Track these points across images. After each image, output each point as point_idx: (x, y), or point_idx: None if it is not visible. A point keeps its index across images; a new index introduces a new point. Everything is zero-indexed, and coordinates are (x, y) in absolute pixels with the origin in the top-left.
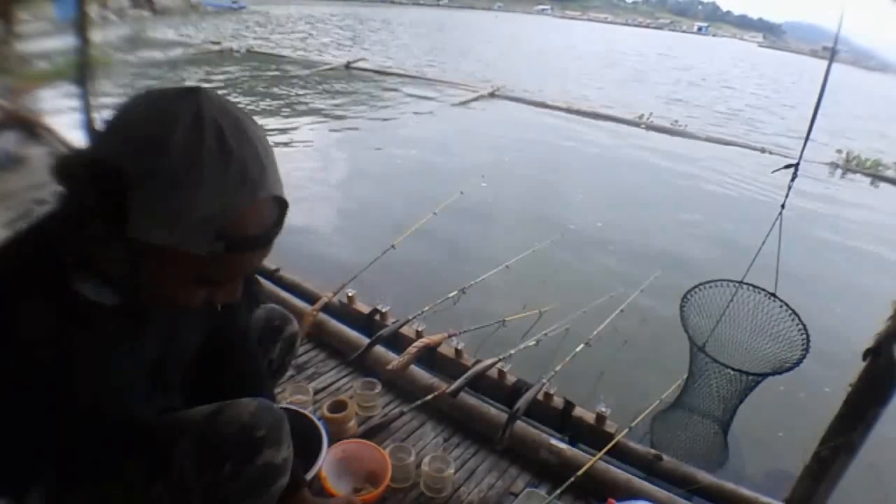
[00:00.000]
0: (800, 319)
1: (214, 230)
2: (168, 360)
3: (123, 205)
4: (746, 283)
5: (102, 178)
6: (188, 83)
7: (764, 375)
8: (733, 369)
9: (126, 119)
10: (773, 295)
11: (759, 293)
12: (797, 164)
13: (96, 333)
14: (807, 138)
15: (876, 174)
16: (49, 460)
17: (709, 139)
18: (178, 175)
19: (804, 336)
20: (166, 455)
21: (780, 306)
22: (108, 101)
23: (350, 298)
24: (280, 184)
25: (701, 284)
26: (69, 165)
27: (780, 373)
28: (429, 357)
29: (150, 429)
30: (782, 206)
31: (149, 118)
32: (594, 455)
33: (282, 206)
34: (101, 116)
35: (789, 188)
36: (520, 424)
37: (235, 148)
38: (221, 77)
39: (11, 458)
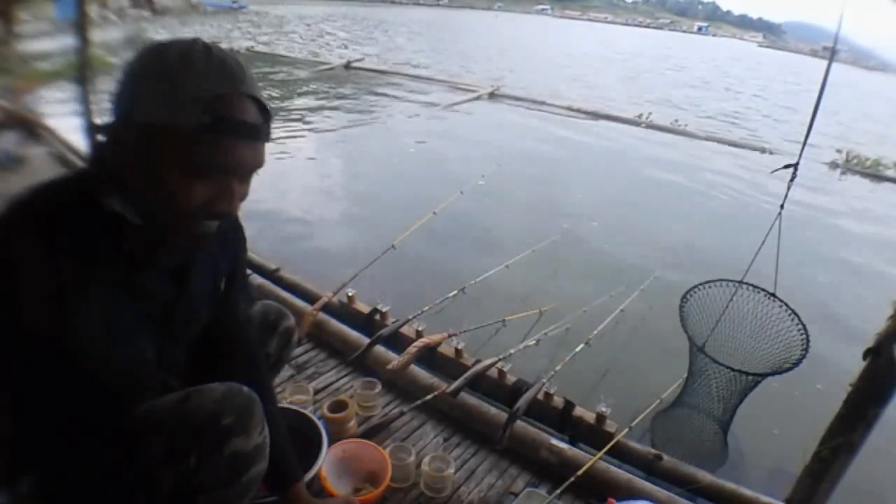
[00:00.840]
0: (799, 319)
1: (201, 105)
2: (177, 314)
3: (132, 95)
4: (746, 283)
5: (121, 85)
6: None
7: (763, 375)
8: (733, 369)
9: (134, 58)
10: (773, 295)
11: (759, 293)
12: (796, 164)
13: (118, 250)
14: (806, 138)
15: (876, 174)
16: (43, 441)
17: (708, 138)
18: (173, 65)
19: (804, 336)
20: (137, 444)
21: (780, 306)
22: (108, 101)
23: (350, 298)
24: (261, 94)
25: (700, 284)
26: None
27: (780, 373)
28: (429, 357)
29: (128, 415)
30: (781, 206)
31: (153, 45)
32: (594, 455)
33: (264, 111)
34: (102, 116)
35: (788, 188)
36: (520, 424)
37: (217, 52)
38: None
39: (7, 438)
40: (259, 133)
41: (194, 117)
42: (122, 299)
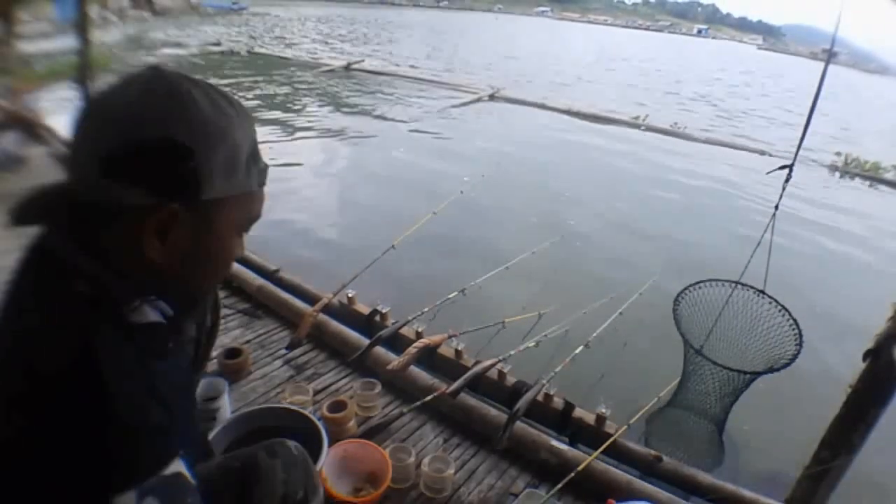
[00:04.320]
0: (791, 316)
1: (256, 165)
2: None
3: (196, 171)
4: (738, 283)
5: (172, 155)
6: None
7: (757, 374)
8: (727, 368)
9: (132, 103)
10: (763, 292)
11: (750, 291)
12: (791, 165)
13: (170, 361)
14: (801, 140)
15: (875, 177)
16: None
17: (708, 141)
18: (217, 124)
19: (796, 333)
20: None
21: (770, 303)
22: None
23: (350, 299)
24: None
25: (692, 285)
26: (119, 163)
27: (774, 371)
28: (429, 358)
29: None
30: (776, 207)
31: (160, 89)
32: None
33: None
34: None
35: (783, 189)
36: (520, 425)
37: (221, 91)
38: (223, 78)
39: None
40: None
41: (255, 175)
42: (178, 369)
